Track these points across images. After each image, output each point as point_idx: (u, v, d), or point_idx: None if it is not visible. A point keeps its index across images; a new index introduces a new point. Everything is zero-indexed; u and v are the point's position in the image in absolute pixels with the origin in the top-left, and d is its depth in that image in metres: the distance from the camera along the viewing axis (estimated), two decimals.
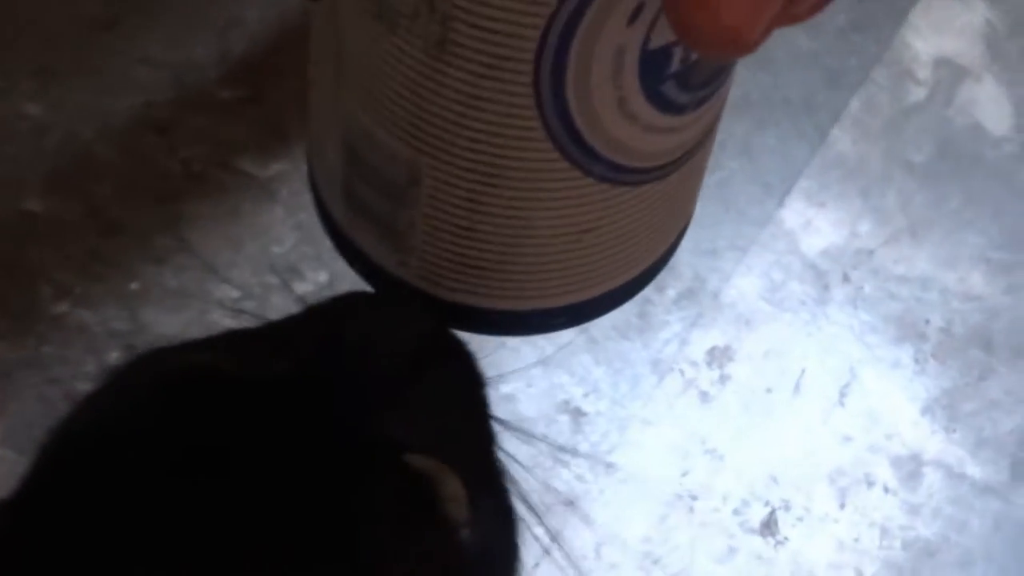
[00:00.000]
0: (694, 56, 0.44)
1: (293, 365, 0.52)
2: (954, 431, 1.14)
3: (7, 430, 1.03)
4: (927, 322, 1.18)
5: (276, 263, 1.14)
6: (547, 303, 0.52)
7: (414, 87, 0.45)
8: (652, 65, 0.43)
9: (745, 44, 0.37)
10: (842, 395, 1.15)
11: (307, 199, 1.09)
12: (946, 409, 1.15)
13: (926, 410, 1.15)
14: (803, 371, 1.15)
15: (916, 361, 1.17)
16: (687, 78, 0.44)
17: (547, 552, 0.61)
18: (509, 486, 0.57)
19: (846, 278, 1.19)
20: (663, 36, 0.42)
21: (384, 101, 0.46)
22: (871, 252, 1.21)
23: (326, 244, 1.06)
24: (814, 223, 1.23)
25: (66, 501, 0.49)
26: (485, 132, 0.45)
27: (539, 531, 0.56)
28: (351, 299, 0.55)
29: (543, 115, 0.44)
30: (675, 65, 0.44)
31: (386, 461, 0.50)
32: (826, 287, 1.17)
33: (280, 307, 1.04)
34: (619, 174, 0.47)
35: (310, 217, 1.09)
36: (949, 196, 1.23)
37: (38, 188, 1.13)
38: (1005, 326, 1.19)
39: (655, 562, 1.08)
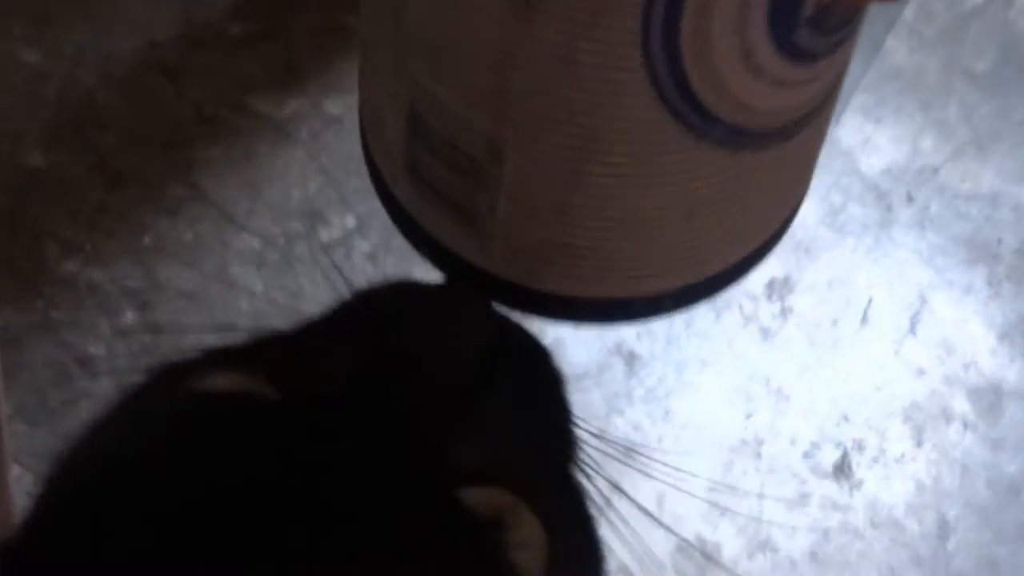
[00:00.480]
0: None
1: (335, 382, 0.47)
2: None
3: (18, 401, 1.00)
4: (1000, 241, 1.15)
5: (298, 209, 1.11)
6: (653, 288, 0.49)
7: (496, 49, 0.42)
8: (785, 8, 0.40)
9: None
10: (913, 324, 1.12)
11: (328, 139, 1.05)
12: None
13: (1004, 336, 1.11)
14: (870, 300, 1.12)
15: (990, 284, 1.14)
16: (823, 21, 0.42)
17: (607, 505, 0.54)
18: (590, 503, 0.52)
19: (910, 198, 1.16)
20: None
21: (458, 65, 0.44)
22: (935, 169, 1.18)
23: (351, 185, 1.03)
24: (872, 140, 1.21)
25: (70, 546, 0.44)
26: (582, 98, 0.42)
27: (598, 483, 0.52)
28: (403, 292, 0.51)
29: (652, 74, 0.41)
30: (810, 7, 0.41)
31: (445, 502, 0.45)
32: (889, 208, 1.14)
33: (305, 257, 1.01)
34: (739, 137, 0.44)
35: (332, 158, 1.04)
36: (1016, 105, 1.21)
37: (39, 140, 1.11)
38: None
39: (722, 513, 1.06)
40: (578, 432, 0.53)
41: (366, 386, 0.47)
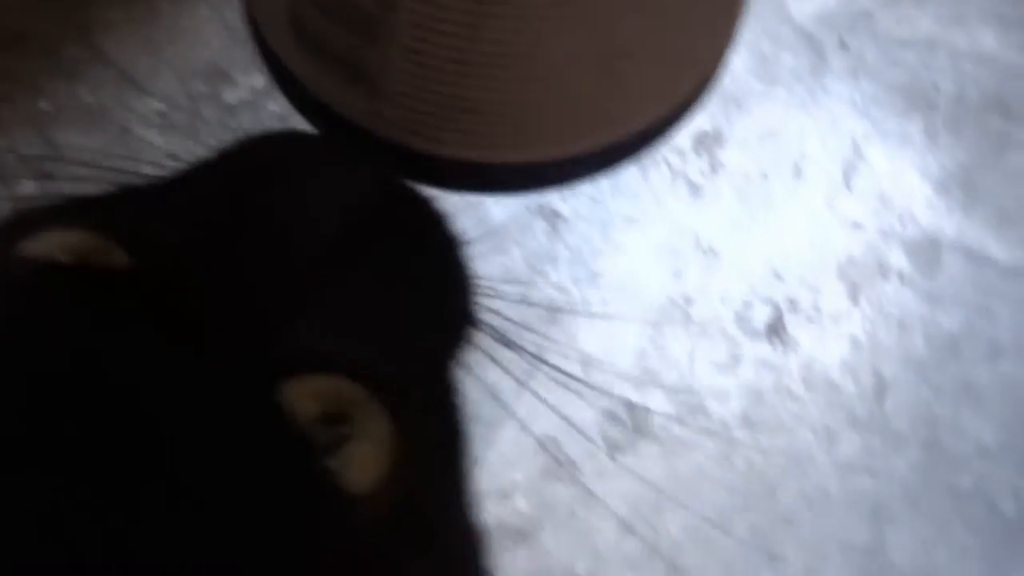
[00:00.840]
0: None
1: (186, 244, 0.45)
2: (974, 209, 1.10)
3: None
4: (937, 89, 1.13)
5: (203, 69, 1.08)
6: (567, 149, 0.48)
7: None
8: None
9: None
10: (847, 177, 1.10)
11: None
12: (963, 186, 1.11)
13: (941, 187, 1.10)
14: (803, 153, 1.10)
15: (927, 134, 1.12)
16: None
17: (530, 373, 0.57)
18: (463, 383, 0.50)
19: (843, 45, 1.14)
20: None
21: None
22: (870, 14, 1.16)
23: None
24: None
25: None
26: None
27: (518, 352, 0.52)
28: (282, 143, 0.49)
29: None
30: None
31: (255, 403, 0.41)
32: (822, 57, 1.11)
33: (211, 117, 0.97)
34: None
35: (238, 15, 0.99)
36: None
37: None
38: (1019, 88, 1.14)
39: (652, 378, 1.04)
40: (483, 302, 0.51)
41: (211, 251, 0.44)
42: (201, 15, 1.08)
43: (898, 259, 1.07)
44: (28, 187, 1.03)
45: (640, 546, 1.00)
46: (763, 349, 1.05)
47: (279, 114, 1.07)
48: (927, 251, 1.08)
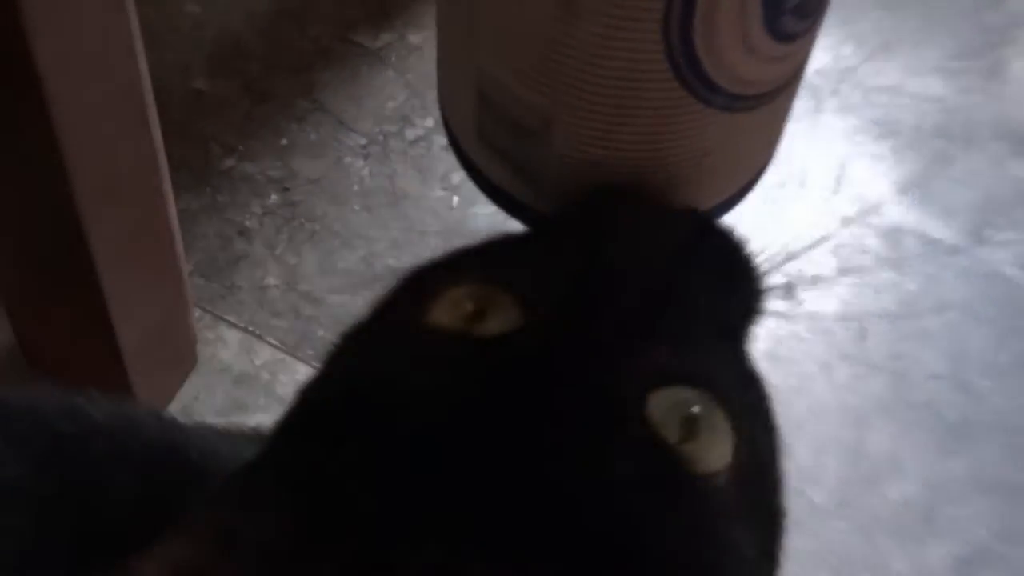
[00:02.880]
0: None
1: (553, 295, 0.44)
2: (926, 206, 1.21)
3: (195, 261, 1.10)
4: (901, 122, 1.25)
5: (391, 115, 1.20)
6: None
7: (545, 40, 0.42)
8: (775, 1, 0.41)
9: None
10: (838, 184, 1.22)
11: (412, 62, 1.18)
12: (919, 189, 1.22)
13: (903, 191, 1.22)
14: (806, 168, 1.22)
15: (894, 153, 1.24)
16: (803, 8, 0.42)
17: None
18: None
19: (835, 92, 1.25)
20: None
21: (517, 55, 0.43)
22: (854, 69, 1.26)
23: (429, 96, 1.16)
24: None
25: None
26: (614, 79, 0.42)
27: None
28: (608, 210, 0.46)
29: (671, 59, 0.41)
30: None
31: (627, 422, 0.41)
32: (819, 99, 1.23)
33: (397, 150, 1.15)
34: (736, 102, 0.44)
35: (415, 76, 1.17)
36: (909, 18, 1.28)
37: (202, 70, 1.19)
38: (961, 120, 1.25)
39: None
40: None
41: (574, 303, 0.43)
42: (388, 76, 1.20)
43: (873, 242, 1.20)
44: (272, 198, 1.16)
45: None
46: (781, 306, 1.17)
47: (444, 145, 1.01)
48: (894, 235, 1.20)
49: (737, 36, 0.41)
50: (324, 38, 1.20)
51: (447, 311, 0.44)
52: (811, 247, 1.20)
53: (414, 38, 1.20)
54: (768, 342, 1.16)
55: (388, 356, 0.44)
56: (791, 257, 1.17)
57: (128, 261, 0.92)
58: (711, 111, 0.43)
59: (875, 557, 1.09)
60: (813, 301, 1.18)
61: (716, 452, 0.42)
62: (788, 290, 1.07)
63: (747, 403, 0.45)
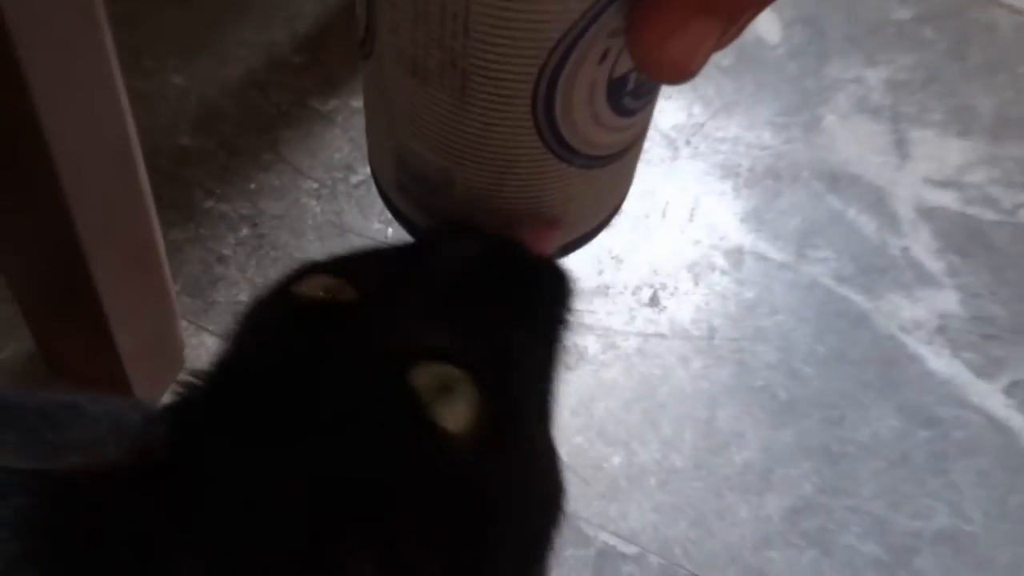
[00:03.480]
0: (644, 77, 0.41)
1: (391, 299, 0.45)
2: (761, 231, 1.22)
3: (183, 284, 1.09)
4: (740, 166, 1.25)
5: (338, 164, 1.20)
6: (564, 238, 0.49)
7: (445, 121, 0.42)
8: (616, 87, 0.41)
9: (689, 73, 0.35)
10: (691, 215, 1.22)
11: (355, 122, 1.17)
12: (755, 218, 1.23)
13: (743, 220, 1.22)
14: (667, 202, 1.22)
15: (734, 191, 1.24)
16: (638, 91, 0.42)
17: None
18: None
19: (688, 142, 1.25)
20: (623, 67, 0.40)
21: (424, 131, 0.43)
22: (702, 124, 1.26)
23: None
24: (665, 109, 1.28)
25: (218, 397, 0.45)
26: (498, 146, 0.42)
27: None
28: (455, 235, 0.47)
29: (539, 131, 0.41)
30: (631, 84, 0.41)
31: (392, 376, 0.42)
32: (676, 148, 1.23)
33: (343, 192, 1.15)
34: (592, 161, 0.44)
35: (357, 133, 1.16)
36: (747, 84, 1.29)
37: (187, 129, 1.18)
38: (786, 163, 1.25)
39: (588, 328, 1.09)
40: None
41: (390, 290, 0.44)
42: (336, 134, 1.19)
43: (719, 260, 1.20)
44: (244, 232, 1.14)
45: (583, 418, 1.10)
46: (647, 311, 1.17)
47: None
48: (735, 255, 1.20)
49: (588, 114, 0.41)
50: (284, 103, 1.20)
51: (306, 289, 0.45)
52: (671, 265, 1.22)
53: (356, 103, 1.20)
54: (638, 340, 1.16)
55: (258, 317, 0.47)
56: (656, 273, 1.19)
57: (125, 284, 0.91)
58: (573, 169, 0.44)
59: (724, 508, 1.10)
60: (673, 307, 1.18)
61: (458, 416, 0.42)
62: (654, 299, 1.18)
63: (515, 390, 0.45)
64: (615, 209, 0.50)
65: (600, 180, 0.46)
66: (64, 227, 0.81)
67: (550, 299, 0.47)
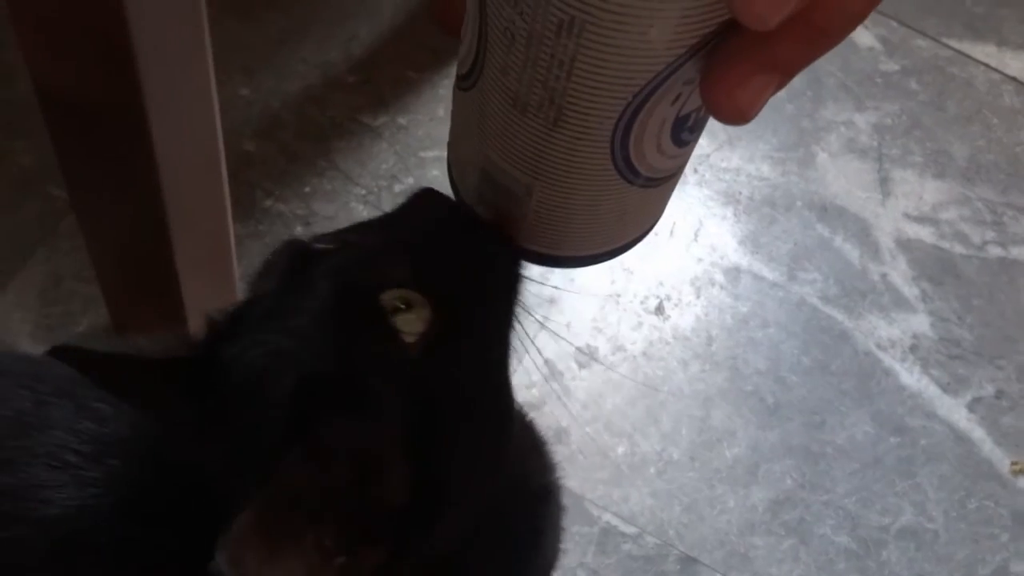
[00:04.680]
0: (703, 115, 0.42)
1: (379, 240, 0.49)
2: (757, 253, 1.22)
3: (243, 272, 1.05)
4: (741, 193, 1.26)
5: (384, 173, 1.20)
6: (596, 250, 0.50)
7: (534, 144, 0.43)
8: (679, 123, 0.42)
9: (749, 118, 0.36)
10: (696, 236, 1.22)
11: (400, 137, 1.21)
12: (752, 241, 1.23)
13: (742, 242, 1.22)
14: (674, 223, 1.22)
15: (735, 216, 1.25)
16: (695, 127, 0.43)
17: (542, 326, 0.55)
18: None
19: (696, 171, 1.25)
20: (689, 107, 0.40)
21: (513, 152, 0.44)
22: (708, 155, 1.27)
23: (411, 162, 1.19)
24: None
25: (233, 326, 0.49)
26: (575, 166, 0.43)
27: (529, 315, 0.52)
28: (431, 199, 0.51)
29: (613, 156, 0.42)
30: (691, 121, 0.42)
31: (373, 295, 0.46)
32: (685, 176, 1.14)
33: (388, 199, 1.16)
34: (649, 183, 0.45)
35: (402, 147, 1.20)
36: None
37: (251, 136, 1.18)
38: (781, 194, 1.26)
39: (600, 331, 1.16)
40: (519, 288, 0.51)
41: (379, 243, 0.48)
42: (383, 147, 1.20)
43: (719, 277, 1.21)
44: (298, 230, 1.16)
45: (592, 411, 1.10)
46: (653, 319, 1.17)
47: None
48: (733, 273, 1.21)
49: (654, 144, 0.42)
50: (338, 117, 1.20)
51: (309, 241, 0.50)
52: (676, 279, 1.22)
53: (402, 120, 1.20)
54: (643, 344, 1.17)
55: (272, 264, 0.51)
56: (662, 285, 1.20)
57: (200, 270, 0.92)
58: (632, 188, 0.45)
59: (714, 498, 1.11)
60: (676, 317, 1.19)
61: (412, 324, 0.46)
62: (659, 308, 1.20)
63: (465, 311, 0.48)
64: (657, 220, 0.51)
65: (651, 197, 0.48)
66: (156, 217, 0.81)
67: (501, 267, 0.50)
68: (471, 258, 0.49)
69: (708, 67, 0.37)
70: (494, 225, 0.48)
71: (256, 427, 0.45)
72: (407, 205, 0.51)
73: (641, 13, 0.35)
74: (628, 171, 0.43)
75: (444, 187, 0.51)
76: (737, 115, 0.36)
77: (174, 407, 0.48)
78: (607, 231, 0.48)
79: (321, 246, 0.49)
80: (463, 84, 0.45)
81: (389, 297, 0.46)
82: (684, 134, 0.43)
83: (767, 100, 0.36)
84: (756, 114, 0.36)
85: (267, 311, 0.47)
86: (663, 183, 0.47)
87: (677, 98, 0.40)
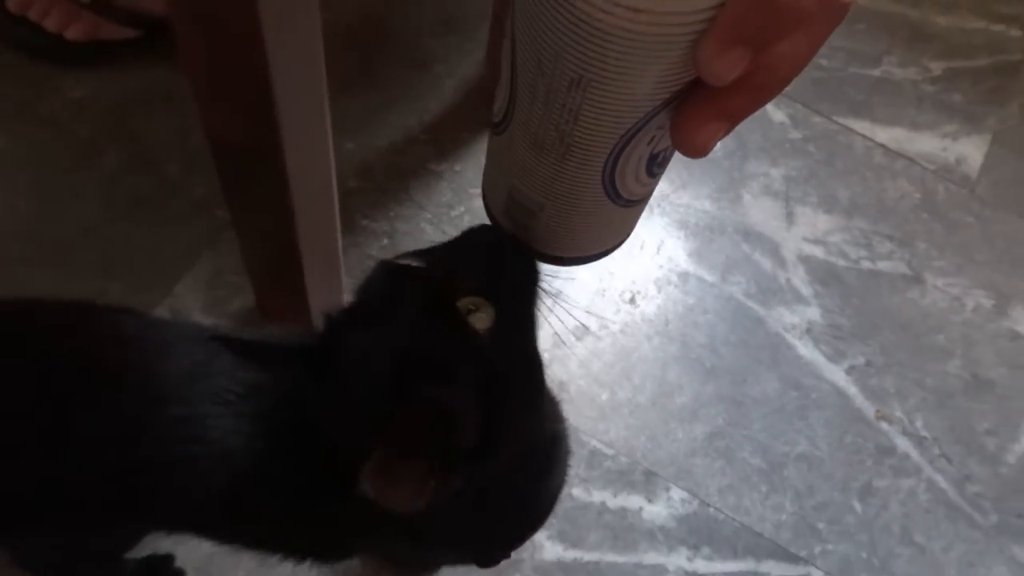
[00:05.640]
0: (670, 153, 0.40)
1: (451, 261, 0.47)
2: (700, 263, 1.20)
3: (346, 270, 1.03)
4: (690, 221, 1.23)
5: (444, 203, 1.16)
6: (590, 252, 0.47)
7: (546, 173, 0.41)
8: (652, 159, 0.40)
9: (706, 153, 0.35)
10: (658, 250, 1.19)
11: (457, 179, 1.17)
12: (697, 254, 1.20)
13: (690, 255, 1.20)
14: (644, 241, 1.19)
15: (686, 237, 1.21)
16: (663, 162, 0.41)
17: (552, 306, 0.52)
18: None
19: (659, 206, 1.22)
20: (660, 146, 0.39)
21: (530, 178, 0.42)
22: (667, 195, 1.24)
23: (464, 195, 1.15)
24: None
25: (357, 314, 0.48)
26: (576, 190, 0.41)
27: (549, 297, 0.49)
28: (484, 231, 0.48)
29: (603, 183, 0.40)
30: (661, 157, 0.40)
31: (446, 303, 0.45)
32: (651, 209, 1.19)
33: (446, 221, 1.13)
34: (628, 203, 0.43)
35: (458, 186, 1.16)
36: (695, 170, 1.24)
37: (352, 176, 1.14)
38: (718, 223, 1.22)
39: (591, 314, 1.13)
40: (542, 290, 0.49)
41: (450, 263, 0.47)
42: (444, 185, 1.15)
43: (674, 279, 1.18)
44: (384, 242, 1.11)
45: (584, 370, 1.08)
46: (628, 307, 1.15)
47: (471, 219, 1.13)
48: (684, 277, 1.18)
49: (633, 174, 0.41)
50: (412, 164, 1.16)
51: (400, 260, 0.48)
52: (643, 279, 1.19)
53: (457, 167, 1.17)
54: (621, 324, 1.14)
55: (370, 281, 0.48)
56: (634, 283, 1.20)
57: (318, 267, 0.90)
58: (616, 207, 0.43)
59: (668, 431, 1.08)
60: (644, 306, 1.17)
61: (482, 321, 0.45)
62: (632, 300, 1.17)
63: (513, 310, 0.47)
64: (630, 233, 0.49)
65: (629, 214, 0.46)
66: (288, 230, 0.80)
67: (533, 276, 0.49)
68: (513, 270, 0.47)
69: (676, 115, 0.36)
70: (524, 243, 0.46)
71: (369, 396, 0.45)
72: (467, 234, 0.49)
73: (631, 75, 0.34)
74: (614, 194, 0.42)
75: (484, 213, 0.49)
76: (698, 151, 0.35)
77: (301, 381, 0.47)
78: (598, 238, 0.47)
79: (407, 263, 0.47)
80: (496, 130, 0.43)
81: (464, 303, 0.45)
82: (655, 168, 0.42)
83: (720, 140, 0.35)
84: (711, 150, 0.35)
85: (372, 312, 0.46)
86: (638, 204, 0.45)
87: (652, 139, 0.38)
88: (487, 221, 0.49)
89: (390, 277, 0.47)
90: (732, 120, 0.34)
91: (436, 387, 0.44)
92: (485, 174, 0.48)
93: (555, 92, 0.36)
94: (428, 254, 0.48)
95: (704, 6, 0.31)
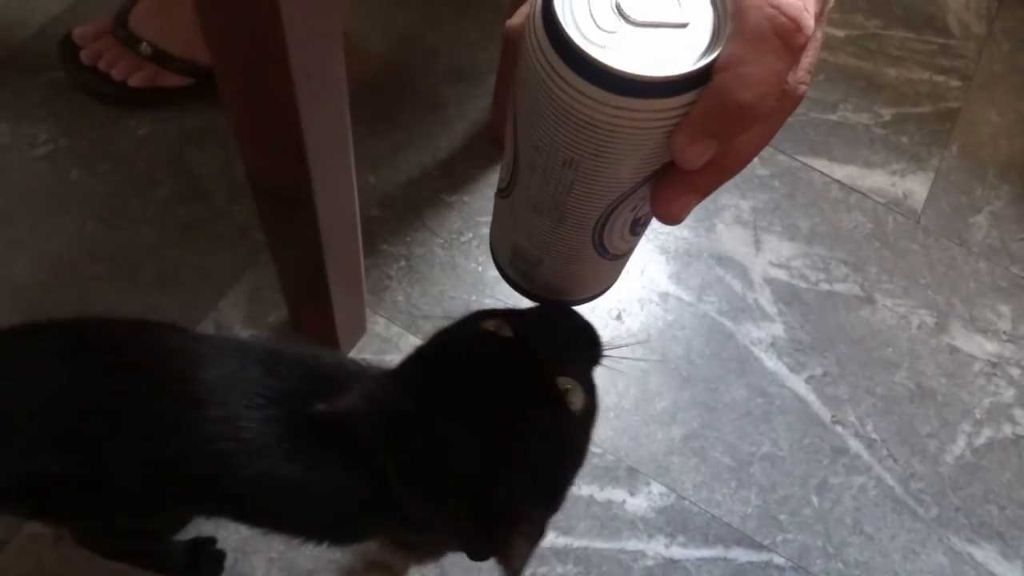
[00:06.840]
0: (649, 217, 0.40)
1: (539, 338, 0.44)
2: (679, 284, 1.19)
3: (368, 288, 1.03)
4: (670, 247, 1.21)
5: (454, 230, 1.15)
6: (580, 296, 0.47)
7: (544, 233, 0.41)
8: (635, 222, 0.40)
9: (680, 221, 0.36)
10: (642, 272, 1.19)
11: (465, 209, 1.16)
12: (676, 276, 1.19)
13: (670, 277, 1.19)
14: (628, 265, 1.06)
15: (666, 261, 1.20)
16: (644, 224, 0.41)
17: None
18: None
19: (654, 233, 1.26)
20: (641, 212, 0.39)
21: (531, 236, 0.42)
22: (651, 225, 1.25)
23: (472, 223, 1.13)
24: None
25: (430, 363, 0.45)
26: (570, 247, 0.41)
27: None
28: (567, 312, 0.46)
29: (593, 242, 0.40)
30: (643, 221, 0.40)
31: (547, 380, 0.43)
32: (647, 238, 1.14)
33: (456, 246, 1.11)
34: (614, 258, 0.43)
35: (467, 215, 1.15)
36: None
37: (375, 205, 1.13)
38: (696, 249, 1.20)
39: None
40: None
41: (535, 336, 0.44)
42: (454, 213, 1.14)
43: (655, 298, 1.17)
44: (402, 264, 1.09)
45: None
46: (615, 323, 1.14)
47: (478, 244, 1.12)
48: (664, 296, 1.17)
49: (619, 235, 0.41)
50: (427, 196, 1.15)
51: (483, 324, 0.45)
52: (631, 298, 1.18)
53: (466, 198, 1.14)
54: (608, 338, 1.08)
55: (454, 339, 0.45)
56: (619, 301, 1.20)
57: (341, 285, 0.90)
58: (604, 260, 0.43)
59: (648, 432, 1.07)
60: (629, 321, 1.16)
61: (577, 403, 0.44)
62: (619, 316, 1.16)
63: (591, 390, 0.46)
64: (616, 281, 0.49)
65: (615, 266, 0.46)
66: (317, 254, 0.80)
67: (598, 345, 0.48)
68: (593, 356, 0.47)
69: (655, 189, 0.36)
70: (594, 331, 0.46)
71: (449, 482, 0.43)
72: (548, 311, 0.46)
73: (616, 159, 0.35)
74: (602, 250, 0.42)
75: (488, 239, 0.47)
76: (673, 219, 0.36)
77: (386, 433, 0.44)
78: (589, 285, 0.47)
79: (492, 329, 0.44)
80: (502, 195, 0.43)
81: (562, 382, 0.43)
82: (637, 228, 0.42)
83: (692, 209, 0.35)
84: (685, 218, 0.35)
85: (454, 379, 0.43)
86: (622, 258, 0.45)
87: (634, 207, 0.38)
88: (490, 243, 0.48)
89: (473, 341, 0.44)
90: (702, 194, 0.35)
91: (546, 507, 0.42)
92: (492, 230, 0.47)
93: (551, 169, 0.37)
94: (516, 321, 0.44)
95: (677, 105, 0.32)
